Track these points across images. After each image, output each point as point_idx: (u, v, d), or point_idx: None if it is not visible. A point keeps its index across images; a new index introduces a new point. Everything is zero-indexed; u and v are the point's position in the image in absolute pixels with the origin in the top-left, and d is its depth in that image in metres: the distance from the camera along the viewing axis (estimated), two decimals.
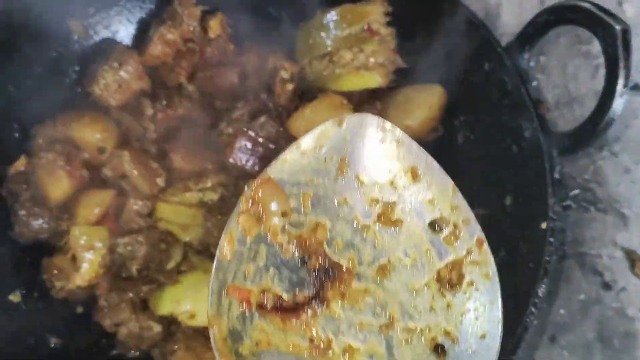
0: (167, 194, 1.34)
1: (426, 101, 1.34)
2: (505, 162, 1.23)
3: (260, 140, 1.32)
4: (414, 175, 1.01)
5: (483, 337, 0.94)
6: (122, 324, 1.25)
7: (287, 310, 0.99)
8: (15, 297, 1.26)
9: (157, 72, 1.42)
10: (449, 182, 0.99)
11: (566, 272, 1.25)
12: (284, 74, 1.37)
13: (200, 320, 1.26)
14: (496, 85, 1.24)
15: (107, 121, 1.37)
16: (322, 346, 0.98)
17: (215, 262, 0.99)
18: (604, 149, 1.22)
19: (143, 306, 1.29)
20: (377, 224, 1.00)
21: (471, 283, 0.97)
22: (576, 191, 1.27)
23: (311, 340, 0.98)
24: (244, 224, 1.00)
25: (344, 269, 1.00)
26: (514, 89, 1.21)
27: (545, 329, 1.25)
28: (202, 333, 1.27)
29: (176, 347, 1.25)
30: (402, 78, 1.37)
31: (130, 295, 1.27)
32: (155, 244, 1.29)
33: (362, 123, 1.01)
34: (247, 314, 0.97)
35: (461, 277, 0.98)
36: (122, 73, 1.37)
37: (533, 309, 1.06)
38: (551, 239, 1.10)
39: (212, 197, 1.33)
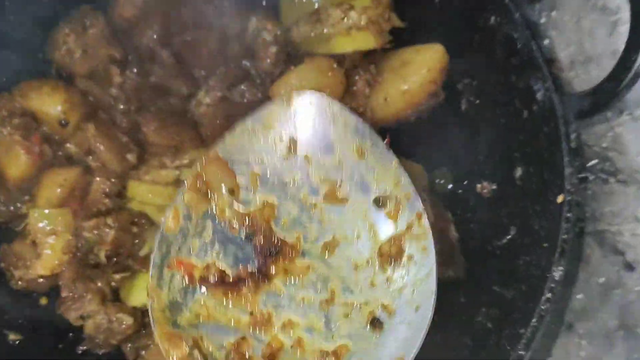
0: (140, 172, 1.26)
1: (425, 63, 1.25)
2: (514, 128, 1.16)
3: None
4: (360, 153, 1.06)
5: (417, 308, 0.99)
6: (89, 317, 1.18)
7: (229, 284, 1.03)
8: None
9: (127, 36, 1.33)
10: (393, 158, 1.05)
11: (584, 252, 1.21)
12: (267, 36, 1.28)
13: None
14: (503, 42, 1.16)
15: (71, 91, 1.28)
16: (262, 320, 1.02)
17: (158, 235, 1.04)
18: (623, 113, 1.17)
19: (115, 297, 1.22)
20: (324, 202, 1.06)
21: (410, 257, 1.02)
22: (594, 161, 1.22)
23: (252, 314, 1.02)
24: (191, 200, 1.04)
25: (289, 246, 1.05)
26: (524, 45, 1.13)
27: (562, 316, 1.20)
28: None
29: (150, 341, 1.18)
30: (398, 38, 1.28)
31: (99, 284, 1.19)
32: (125, 227, 1.21)
33: (311, 103, 1.07)
34: (189, 288, 1.02)
35: (401, 251, 1.03)
36: (87, 37, 1.29)
37: (549, 295, 0.99)
38: (568, 215, 1.03)
39: None
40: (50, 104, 1.25)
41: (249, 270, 1.04)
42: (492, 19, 1.17)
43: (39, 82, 1.27)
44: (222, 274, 1.04)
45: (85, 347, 1.19)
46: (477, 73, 1.24)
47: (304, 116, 1.07)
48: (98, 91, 1.30)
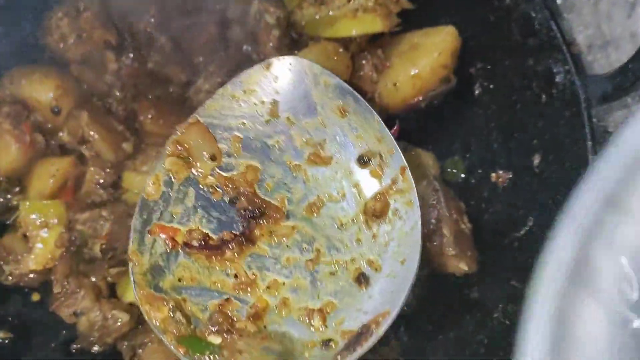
0: (136, 162, 1.23)
1: (435, 46, 1.21)
2: (531, 114, 1.13)
3: None
4: (342, 112, 1.07)
5: (403, 262, 1.00)
6: (83, 314, 1.13)
7: (212, 247, 1.04)
8: None
9: (123, 20, 1.28)
10: (374, 116, 1.06)
11: None
12: (269, 19, 1.24)
13: None
14: (520, 22, 1.14)
15: (63, 77, 1.24)
16: (247, 282, 1.03)
17: (139, 201, 1.05)
18: None
19: (111, 293, 1.18)
20: (308, 162, 1.08)
21: (395, 212, 1.03)
22: None
23: (236, 277, 1.03)
24: (171, 166, 1.05)
25: (274, 208, 1.06)
26: (542, 25, 1.11)
27: None
28: None
29: (147, 339, 1.13)
30: (407, 21, 1.25)
31: (93, 279, 1.15)
32: (121, 219, 1.17)
33: (291, 66, 1.09)
34: (172, 252, 1.03)
35: (386, 206, 1.04)
36: (81, 21, 1.24)
37: None
38: None
39: None
40: (41, 90, 1.22)
41: (233, 233, 1.05)
42: None
43: (30, 68, 1.24)
44: (206, 238, 1.04)
45: (79, 346, 1.14)
46: (491, 56, 1.21)
47: (285, 79, 1.08)
48: (92, 78, 1.26)
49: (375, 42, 1.27)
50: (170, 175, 1.05)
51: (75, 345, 1.14)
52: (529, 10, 1.10)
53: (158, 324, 0.97)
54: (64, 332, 1.17)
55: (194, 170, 1.06)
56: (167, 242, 1.03)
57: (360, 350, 0.94)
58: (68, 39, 1.25)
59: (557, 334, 0.53)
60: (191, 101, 1.26)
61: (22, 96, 1.22)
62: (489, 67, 1.21)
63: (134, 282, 1.00)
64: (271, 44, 1.24)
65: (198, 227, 1.04)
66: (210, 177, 1.06)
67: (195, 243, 1.03)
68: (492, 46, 1.20)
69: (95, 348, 1.15)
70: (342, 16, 1.23)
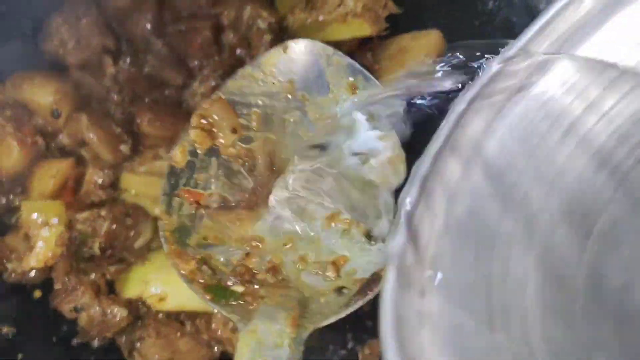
0: (134, 163, 1.25)
1: (422, 49, 1.23)
2: None
3: None
4: (353, 89, 1.15)
5: None
6: (82, 310, 1.15)
7: (231, 208, 1.12)
8: None
9: (120, 26, 1.30)
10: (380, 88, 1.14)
11: None
12: (261, 24, 1.27)
13: (172, 304, 1.17)
14: (502, 27, 1.17)
15: (63, 81, 1.24)
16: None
17: (167, 168, 1.13)
18: None
19: (110, 289, 1.20)
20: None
21: None
22: None
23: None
24: (196, 137, 1.13)
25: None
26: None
27: None
28: (174, 318, 1.18)
29: (145, 334, 1.16)
30: (395, 25, 1.27)
31: (93, 277, 1.17)
32: (119, 218, 1.19)
33: (306, 49, 1.17)
34: (197, 213, 1.11)
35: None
36: (80, 27, 1.26)
37: None
38: None
39: None
40: (42, 94, 1.22)
41: (253, 198, 1.12)
42: (491, 3, 1.15)
43: (31, 73, 1.24)
44: (227, 201, 1.13)
45: (79, 340, 1.16)
46: (475, 59, 1.15)
47: (300, 60, 1.17)
48: (91, 82, 1.27)
49: (364, 45, 1.28)
50: (195, 145, 1.13)
51: (75, 340, 1.16)
52: (511, 15, 1.11)
53: (186, 274, 1.04)
54: (65, 327, 1.18)
55: (216, 142, 1.14)
56: (192, 204, 1.11)
57: (371, 294, 1.00)
58: (67, 45, 1.25)
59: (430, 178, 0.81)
60: (187, 104, 1.28)
61: (24, 100, 1.22)
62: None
63: (164, 238, 1.08)
64: (263, 49, 1.25)
65: (220, 193, 1.12)
66: (231, 148, 1.14)
67: (216, 205, 1.11)
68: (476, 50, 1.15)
69: (95, 342, 1.16)
70: (332, 21, 1.25)
